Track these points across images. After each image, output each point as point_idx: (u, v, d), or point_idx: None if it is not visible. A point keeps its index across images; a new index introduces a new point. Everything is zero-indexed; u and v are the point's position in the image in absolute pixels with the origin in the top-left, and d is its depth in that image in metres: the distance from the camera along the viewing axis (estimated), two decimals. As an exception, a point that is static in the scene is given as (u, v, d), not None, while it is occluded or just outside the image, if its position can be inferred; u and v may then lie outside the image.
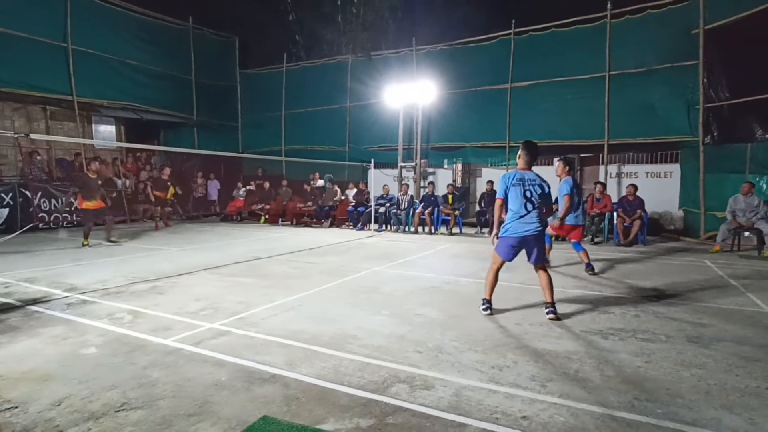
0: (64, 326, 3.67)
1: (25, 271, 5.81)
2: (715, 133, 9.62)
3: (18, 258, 6.83)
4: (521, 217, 4.02)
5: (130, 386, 2.61)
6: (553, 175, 5.67)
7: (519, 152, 4.22)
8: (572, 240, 6.27)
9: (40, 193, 10.17)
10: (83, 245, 7.91)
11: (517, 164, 4.24)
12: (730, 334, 3.59)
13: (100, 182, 8.52)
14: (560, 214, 5.33)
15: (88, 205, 8.20)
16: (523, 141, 4.30)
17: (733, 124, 9.47)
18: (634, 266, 6.59)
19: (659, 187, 10.62)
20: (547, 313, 3.99)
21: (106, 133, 14.14)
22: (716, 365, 2.99)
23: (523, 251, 4.11)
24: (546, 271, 4.13)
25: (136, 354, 3.10)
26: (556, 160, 5.71)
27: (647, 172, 10.99)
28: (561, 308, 4.24)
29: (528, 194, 4.03)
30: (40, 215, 10.13)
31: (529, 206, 4.02)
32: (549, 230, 3.99)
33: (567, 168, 5.71)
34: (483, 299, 4.22)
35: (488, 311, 4.12)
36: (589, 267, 5.99)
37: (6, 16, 10.34)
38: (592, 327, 3.75)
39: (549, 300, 4.05)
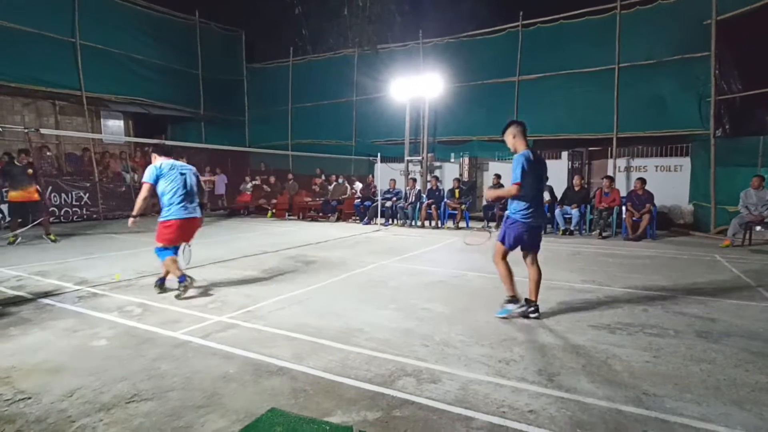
0: (74, 319, 3.72)
1: (36, 265, 5.88)
2: (727, 126, 9.48)
3: (29, 251, 6.92)
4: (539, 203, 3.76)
5: (140, 378, 2.65)
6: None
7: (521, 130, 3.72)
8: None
9: (50, 188, 10.29)
10: (10, 242, 7.43)
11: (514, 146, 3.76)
12: (740, 329, 3.55)
13: (30, 171, 7.70)
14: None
15: (14, 196, 7.66)
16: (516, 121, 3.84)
17: (745, 116, 9.33)
18: (643, 261, 6.53)
19: (669, 181, 10.51)
20: (531, 312, 3.73)
21: (114, 127, 14.27)
22: (726, 360, 2.96)
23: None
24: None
25: (145, 346, 3.14)
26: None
27: (657, 166, 10.89)
28: (567, 303, 4.22)
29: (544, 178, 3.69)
30: (50, 209, 10.24)
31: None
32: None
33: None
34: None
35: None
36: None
37: (15, 12, 10.45)
38: (600, 321, 3.73)
39: (534, 298, 3.78)
